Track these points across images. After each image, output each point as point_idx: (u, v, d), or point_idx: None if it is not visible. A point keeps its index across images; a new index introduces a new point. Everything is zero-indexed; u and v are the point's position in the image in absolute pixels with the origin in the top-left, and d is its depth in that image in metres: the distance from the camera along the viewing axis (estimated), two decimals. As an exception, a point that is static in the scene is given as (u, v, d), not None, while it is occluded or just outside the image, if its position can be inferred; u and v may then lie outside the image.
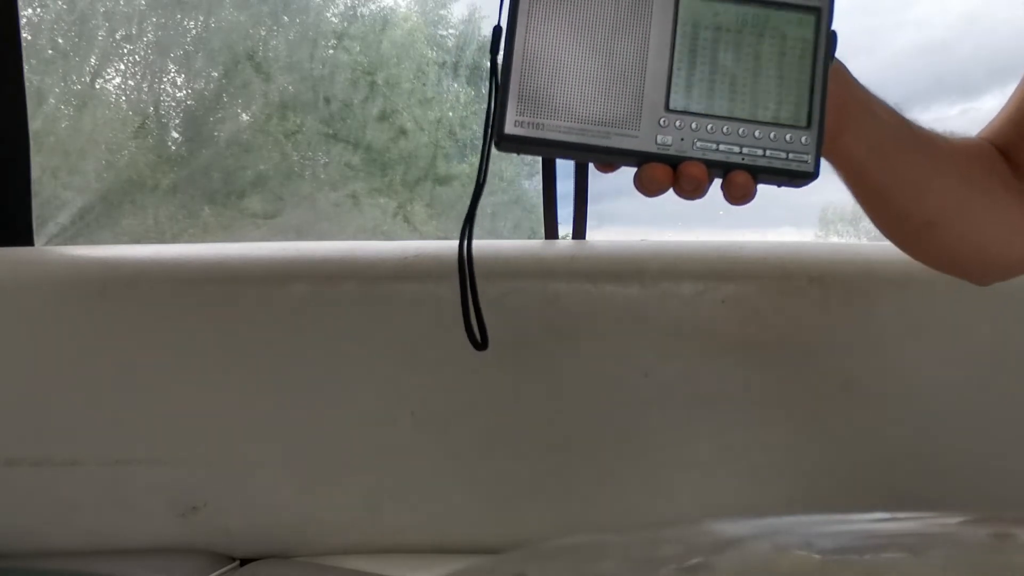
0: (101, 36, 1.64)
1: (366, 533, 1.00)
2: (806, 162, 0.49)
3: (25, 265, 1.05)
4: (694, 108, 0.48)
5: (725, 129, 0.48)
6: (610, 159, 0.49)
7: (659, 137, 0.48)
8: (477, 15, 1.88)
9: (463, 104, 1.88)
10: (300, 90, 1.78)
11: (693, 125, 0.48)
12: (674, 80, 0.48)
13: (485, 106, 0.50)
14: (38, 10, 1.55)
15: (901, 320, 0.94)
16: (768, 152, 0.48)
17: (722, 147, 0.48)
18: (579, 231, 1.20)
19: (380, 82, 1.81)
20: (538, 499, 0.98)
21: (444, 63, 1.86)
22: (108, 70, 1.67)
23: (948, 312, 0.94)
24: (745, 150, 0.48)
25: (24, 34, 1.19)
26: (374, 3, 1.81)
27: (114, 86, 1.70)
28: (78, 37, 1.61)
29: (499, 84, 0.47)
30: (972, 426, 0.94)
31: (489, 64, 0.49)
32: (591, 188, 1.20)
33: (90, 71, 1.64)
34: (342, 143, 1.82)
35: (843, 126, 0.53)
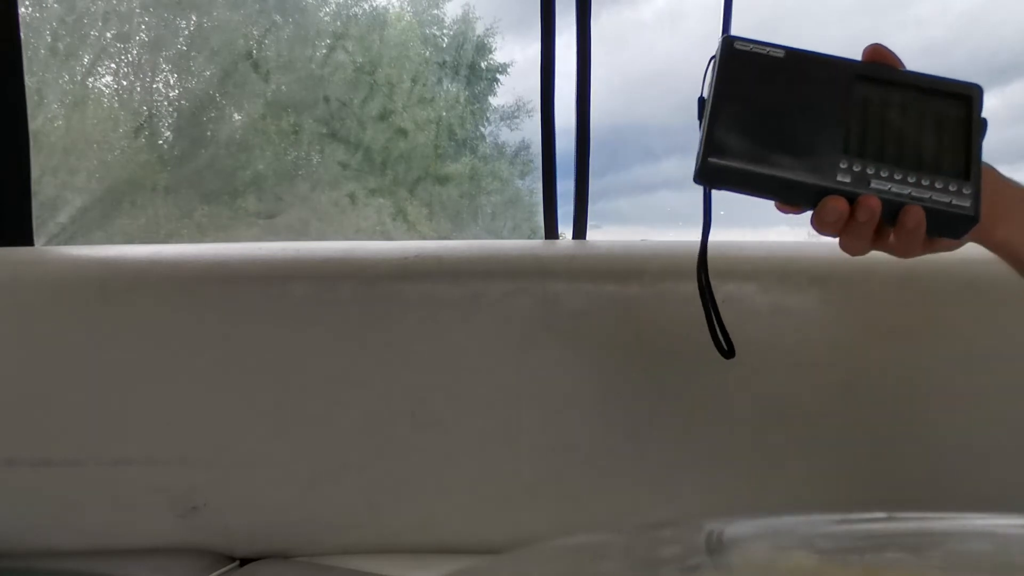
0: (94, 35, 1.63)
1: (366, 533, 1.00)
2: (967, 207, 0.55)
3: (25, 265, 1.05)
4: (868, 154, 0.56)
5: (896, 174, 0.55)
6: (795, 195, 0.57)
7: (839, 176, 0.55)
8: (471, 15, 1.88)
9: (462, 104, 1.88)
10: (295, 90, 1.78)
11: (868, 169, 0.55)
12: (851, 131, 0.56)
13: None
14: (30, 9, 1.55)
15: (901, 320, 0.94)
16: (933, 196, 0.55)
17: (893, 188, 0.55)
18: (579, 231, 1.20)
19: (378, 82, 1.81)
20: (538, 499, 0.98)
21: (444, 63, 1.85)
22: (100, 68, 1.66)
23: (948, 312, 0.94)
24: (914, 192, 0.55)
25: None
26: (366, 2, 1.80)
27: (105, 84, 1.70)
28: (70, 36, 1.61)
29: (704, 129, 0.56)
30: (973, 426, 0.94)
31: (699, 124, 0.58)
32: (591, 188, 1.20)
33: (82, 70, 1.64)
34: (340, 143, 1.82)
35: (997, 218, 0.58)
